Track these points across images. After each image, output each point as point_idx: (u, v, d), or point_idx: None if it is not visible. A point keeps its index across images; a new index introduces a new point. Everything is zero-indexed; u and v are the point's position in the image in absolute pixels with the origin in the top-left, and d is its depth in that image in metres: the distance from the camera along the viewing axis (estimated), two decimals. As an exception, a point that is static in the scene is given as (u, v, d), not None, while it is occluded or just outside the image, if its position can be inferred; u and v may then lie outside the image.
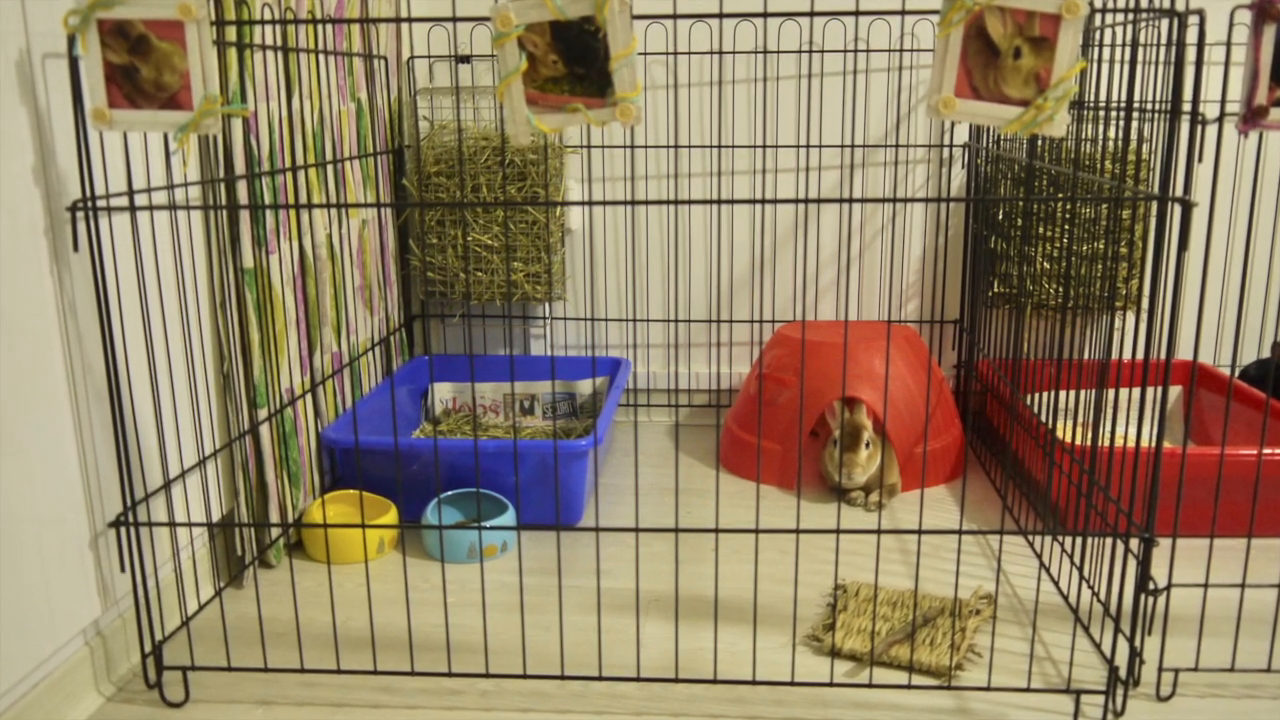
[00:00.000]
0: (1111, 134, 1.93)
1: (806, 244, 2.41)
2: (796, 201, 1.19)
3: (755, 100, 2.33)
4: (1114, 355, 2.22)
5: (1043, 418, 1.84)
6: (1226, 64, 1.25)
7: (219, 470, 1.64)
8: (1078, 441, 1.69)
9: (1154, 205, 1.98)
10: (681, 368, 2.51)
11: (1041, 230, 2.07)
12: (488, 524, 1.78)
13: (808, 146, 2.34)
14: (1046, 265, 2.09)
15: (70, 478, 1.30)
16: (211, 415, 1.60)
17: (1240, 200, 2.28)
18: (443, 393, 2.40)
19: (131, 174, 1.34)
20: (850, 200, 1.18)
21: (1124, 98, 1.52)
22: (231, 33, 1.52)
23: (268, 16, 1.63)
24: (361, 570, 1.73)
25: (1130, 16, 1.52)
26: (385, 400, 2.14)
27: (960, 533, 1.29)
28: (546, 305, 2.47)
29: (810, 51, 2.29)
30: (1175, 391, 2.17)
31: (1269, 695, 1.34)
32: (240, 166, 1.57)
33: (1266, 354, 2.26)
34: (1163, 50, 1.53)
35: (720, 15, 1.22)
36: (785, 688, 1.36)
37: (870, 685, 1.36)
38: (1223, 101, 1.23)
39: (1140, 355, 2.33)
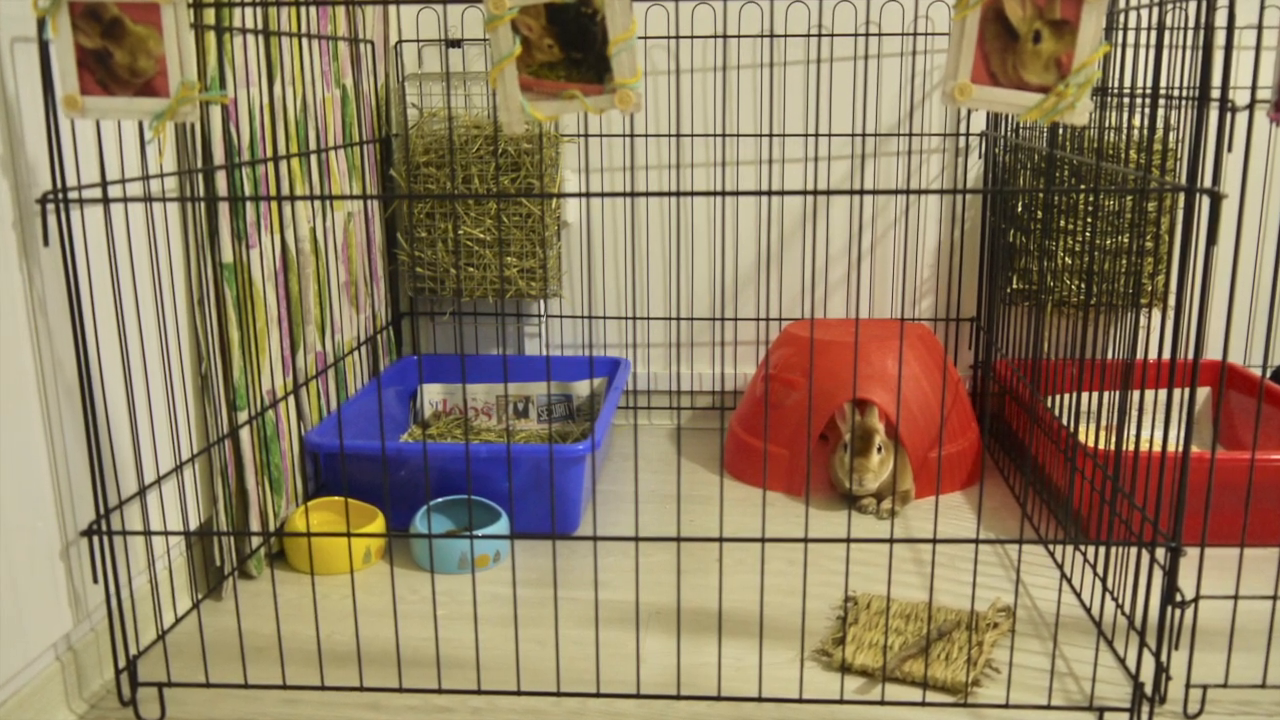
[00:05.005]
0: (1136, 122, 1.93)
1: (815, 238, 2.41)
2: (805, 193, 1.19)
3: (761, 86, 2.33)
4: (1139, 355, 2.22)
5: (1064, 421, 1.84)
6: (1258, 49, 1.25)
7: (197, 476, 1.64)
8: (1101, 446, 1.69)
9: (1181, 197, 1.98)
10: (684, 368, 2.51)
11: (1063, 223, 2.07)
12: (480, 533, 1.78)
13: (816, 135, 2.34)
14: (1068, 260, 2.09)
15: (40, 483, 1.30)
16: (189, 418, 1.60)
17: (1272, 192, 2.28)
18: (432, 394, 2.40)
19: (105, 164, 1.34)
20: (861, 192, 1.18)
21: (1150, 84, 1.52)
22: (210, 15, 1.52)
23: (248, -2, 1.63)
24: (347, 581, 1.73)
25: (1156, -2, 1.52)
26: (372, 402, 2.14)
27: (977, 542, 1.29)
28: (542, 302, 2.47)
29: (819, 35, 2.29)
30: (1203, 393, 2.17)
31: (1302, 713, 1.34)
32: (219, 156, 1.57)
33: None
34: (1190, 34, 1.53)
35: (724, -3, 1.22)
36: (793, 705, 1.36)
37: (882, 702, 1.36)
38: (1253, 88, 1.23)
39: (1167, 355, 2.33)
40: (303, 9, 1.85)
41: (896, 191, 1.18)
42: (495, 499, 1.87)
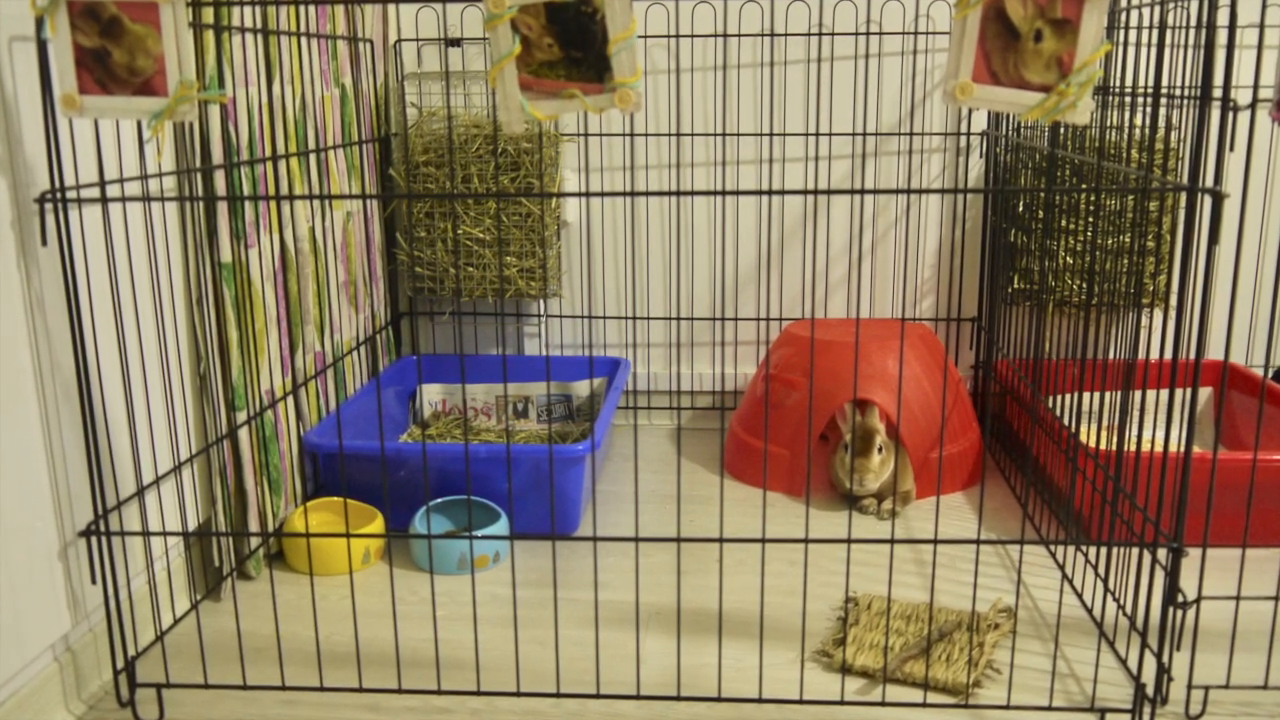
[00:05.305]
0: (1138, 121, 1.93)
1: (816, 237, 2.41)
2: (805, 193, 1.19)
3: (762, 85, 2.33)
4: (1140, 355, 2.22)
5: (1065, 421, 1.84)
6: (1260, 47, 1.25)
7: (195, 476, 1.64)
8: (1102, 446, 1.69)
9: (1183, 196, 1.98)
10: (684, 368, 2.51)
11: (1064, 223, 2.07)
12: (479, 533, 1.78)
13: (817, 134, 2.34)
14: (1069, 260, 2.09)
15: (39, 484, 1.30)
16: (187, 418, 1.60)
17: (1274, 191, 2.28)
18: (432, 395, 2.40)
19: (103, 164, 1.34)
20: (862, 191, 1.18)
21: (1151, 83, 1.52)
22: (208, 14, 1.52)
23: (247, -3, 1.63)
24: (346, 582, 1.73)
25: (1158, -3, 1.52)
26: (371, 402, 2.14)
27: (978, 542, 1.29)
28: (541, 302, 2.47)
29: (820, 34, 2.29)
30: (1205, 393, 2.17)
31: (1304, 714, 1.34)
32: (218, 156, 1.57)
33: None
34: (1192, 33, 1.53)
35: (725, -4, 1.22)
36: (793, 706, 1.36)
37: (883, 704, 1.36)
38: (1255, 87, 1.23)
39: (1168, 355, 2.33)
40: (301, 8, 1.86)
41: (897, 191, 1.18)
42: (495, 499, 1.87)
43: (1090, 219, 2.00)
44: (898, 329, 2.19)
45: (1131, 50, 1.83)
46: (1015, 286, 2.18)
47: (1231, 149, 1.20)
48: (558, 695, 1.39)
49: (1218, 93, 1.20)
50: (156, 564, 1.55)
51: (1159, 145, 2.02)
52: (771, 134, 2.35)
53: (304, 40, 1.87)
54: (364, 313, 2.19)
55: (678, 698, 1.38)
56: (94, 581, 1.37)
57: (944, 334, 2.44)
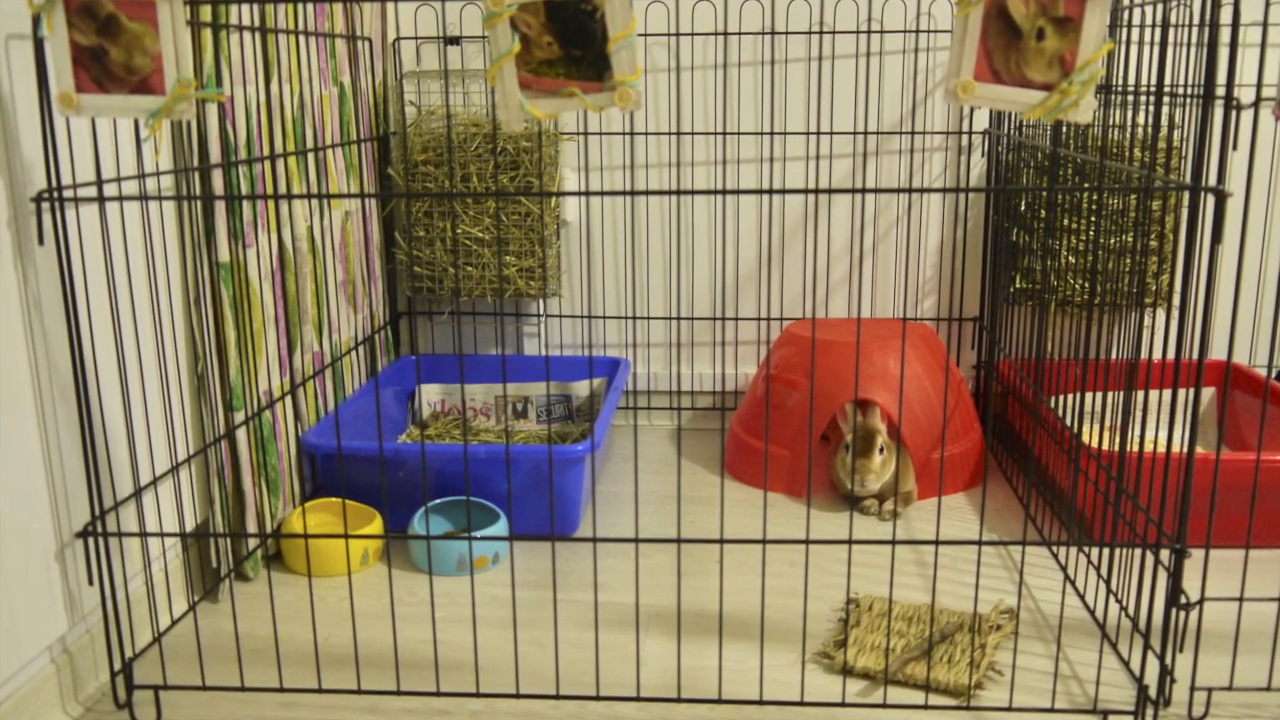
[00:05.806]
0: (1141, 120, 1.93)
1: (817, 237, 2.41)
2: (806, 192, 1.19)
3: (762, 84, 2.33)
4: (1143, 355, 2.22)
5: (1068, 421, 1.84)
6: (1263, 46, 1.25)
7: (193, 477, 1.64)
8: (1105, 447, 1.69)
9: (1186, 195, 1.98)
10: (684, 368, 2.51)
11: (1066, 222, 2.07)
12: (478, 534, 1.78)
13: (818, 133, 2.34)
14: (1071, 259, 2.09)
15: (35, 485, 1.30)
16: (185, 419, 1.60)
17: (1277, 190, 2.28)
18: (430, 395, 2.40)
19: (100, 163, 1.34)
20: (863, 190, 1.18)
21: (1154, 82, 1.52)
22: (206, 12, 1.52)
23: (245, -5, 1.63)
24: (344, 583, 1.73)
25: (1160, -5, 1.52)
26: (369, 403, 2.14)
27: (980, 543, 1.29)
28: (541, 302, 2.47)
29: (821, 32, 2.29)
30: (1208, 393, 2.17)
31: (1308, 716, 1.34)
32: (215, 155, 1.57)
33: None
34: (1195, 31, 1.53)
35: (725, -6, 1.22)
36: (794, 708, 1.36)
37: (884, 705, 1.36)
38: (1258, 85, 1.23)
39: (1171, 355, 2.32)
40: (299, 6, 1.85)
41: (899, 190, 1.18)
42: (494, 500, 1.87)
43: (1093, 218, 2.00)
44: (899, 329, 2.19)
45: (1134, 48, 1.83)
46: (1017, 286, 2.18)
47: (1234, 148, 1.20)
48: (557, 697, 1.39)
49: (1221, 91, 1.20)
50: (154, 565, 1.55)
51: (1161, 144, 2.02)
52: (772, 133, 2.35)
53: (302, 38, 1.87)
54: (362, 312, 2.19)
55: (678, 699, 1.38)
56: (91, 583, 1.37)
57: (945, 334, 2.44)
